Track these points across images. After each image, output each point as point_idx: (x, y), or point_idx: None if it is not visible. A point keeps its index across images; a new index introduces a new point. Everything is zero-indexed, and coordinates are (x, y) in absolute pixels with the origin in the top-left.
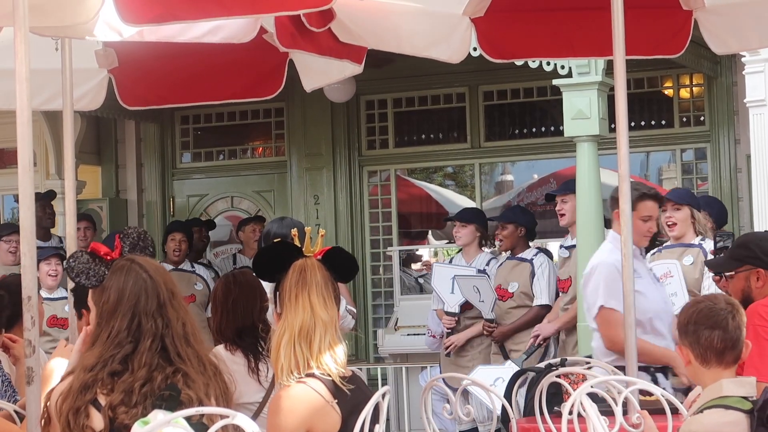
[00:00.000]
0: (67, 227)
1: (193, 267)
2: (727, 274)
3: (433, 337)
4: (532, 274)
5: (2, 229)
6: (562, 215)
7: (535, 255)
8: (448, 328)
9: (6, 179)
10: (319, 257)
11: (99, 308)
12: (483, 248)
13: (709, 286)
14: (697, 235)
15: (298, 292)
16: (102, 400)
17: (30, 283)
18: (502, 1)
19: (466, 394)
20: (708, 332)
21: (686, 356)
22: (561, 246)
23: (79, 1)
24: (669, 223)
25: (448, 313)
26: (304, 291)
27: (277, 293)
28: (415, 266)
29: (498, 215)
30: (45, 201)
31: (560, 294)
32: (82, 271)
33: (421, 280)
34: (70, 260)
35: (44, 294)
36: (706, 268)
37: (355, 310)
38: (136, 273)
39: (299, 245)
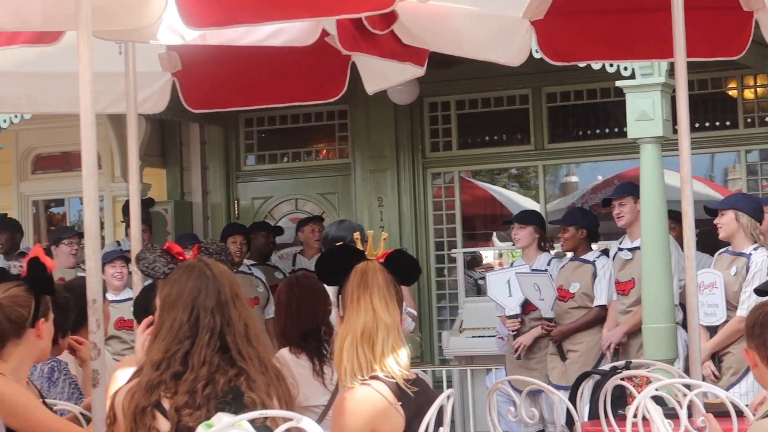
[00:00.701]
0: (132, 230)
1: (250, 270)
2: None
3: (501, 338)
4: (594, 275)
5: (63, 232)
6: (620, 217)
7: (598, 257)
8: (513, 332)
9: (72, 182)
10: (382, 260)
11: (162, 300)
12: (542, 249)
13: (747, 300)
14: (753, 242)
15: (360, 295)
16: (166, 404)
17: (95, 286)
18: (562, 3)
19: (532, 396)
20: None
21: (752, 359)
22: (620, 248)
23: (142, 5)
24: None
25: (509, 317)
26: (365, 294)
27: (340, 296)
28: (476, 268)
29: (559, 218)
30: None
31: (619, 296)
32: (152, 262)
33: (481, 282)
34: (144, 251)
35: (111, 296)
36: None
37: (415, 313)
38: (199, 269)
39: (361, 248)
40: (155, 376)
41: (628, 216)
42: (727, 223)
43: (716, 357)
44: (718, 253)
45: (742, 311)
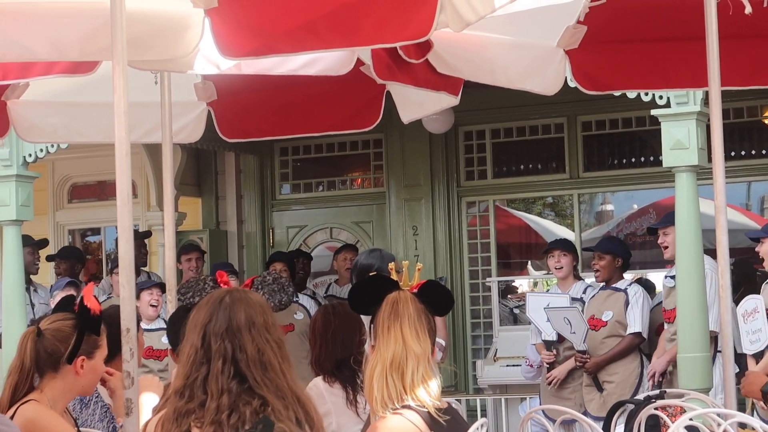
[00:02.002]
0: (167, 259)
1: (296, 297)
2: None
3: (531, 366)
4: (627, 303)
5: (113, 262)
6: (666, 248)
7: (629, 285)
8: (547, 363)
9: (108, 211)
10: (415, 290)
11: (185, 326)
12: (576, 278)
13: None
14: None
15: (391, 324)
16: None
17: (129, 314)
18: (596, 33)
19: (565, 426)
20: None
21: None
22: (666, 276)
23: (177, 35)
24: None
25: (546, 342)
26: (396, 323)
27: (372, 326)
28: (510, 297)
29: (594, 245)
30: (139, 240)
31: (666, 325)
32: (196, 291)
33: (516, 311)
34: (199, 280)
35: (143, 325)
36: None
37: (443, 343)
38: (216, 297)
39: (395, 279)
40: (182, 404)
41: (672, 246)
42: (765, 252)
43: None
44: (765, 282)
45: None
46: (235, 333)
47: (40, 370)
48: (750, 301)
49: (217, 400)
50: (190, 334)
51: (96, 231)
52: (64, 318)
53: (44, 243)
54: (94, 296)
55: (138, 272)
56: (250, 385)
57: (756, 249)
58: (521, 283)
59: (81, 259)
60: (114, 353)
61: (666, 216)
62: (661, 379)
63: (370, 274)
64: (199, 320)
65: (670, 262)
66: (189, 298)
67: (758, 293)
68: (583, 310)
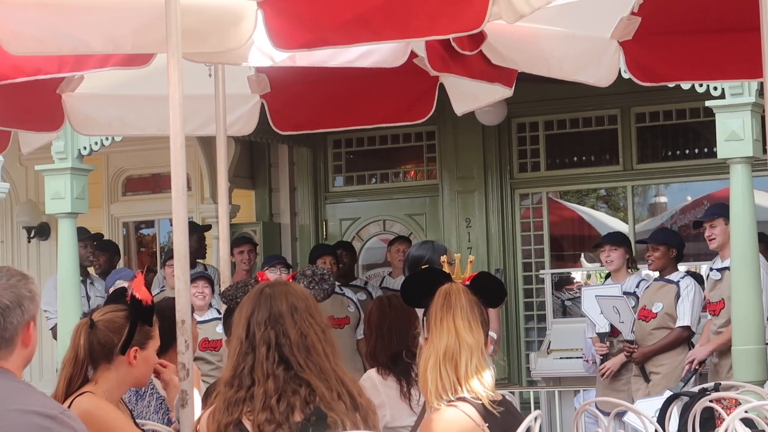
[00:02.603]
0: (221, 251)
1: (342, 290)
2: None
3: (587, 361)
4: (677, 296)
5: (166, 254)
6: (712, 239)
7: (682, 277)
8: (601, 355)
9: (162, 203)
10: (467, 282)
11: (231, 324)
12: (629, 270)
13: None
14: None
15: (443, 316)
16: (248, 425)
17: (184, 306)
18: (651, 24)
19: (619, 418)
20: None
21: None
22: (711, 268)
23: (231, 28)
24: None
25: (599, 334)
26: (449, 314)
27: (425, 318)
28: (564, 289)
29: (648, 237)
30: (200, 233)
31: (711, 317)
32: (239, 294)
33: (568, 303)
34: (244, 284)
35: (196, 317)
36: None
37: (495, 336)
38: (258, 290)
39: (447, 271)
40: (231, 393)
41: (719, 238)
42: None
43: None
44: None
45: None
46: (277, 319)
47: (93, 361)
48: None
49: (263, 386)
50: (235, 329)
51: (150, 224)
52: (116, 309)
53: (99, 237)
54: (145, 287)
55: (194, 264)
56: (295, 371)
57: (705, 234)
58: (576, 275)
59: (118, 252)
60: (167, 345)
61: (710, 208)
62: (698, 368)
63: (422, 265)
64: (243, 313)
65: (717, 254)
66: (234, 302)
67: None
68: (636, 303)
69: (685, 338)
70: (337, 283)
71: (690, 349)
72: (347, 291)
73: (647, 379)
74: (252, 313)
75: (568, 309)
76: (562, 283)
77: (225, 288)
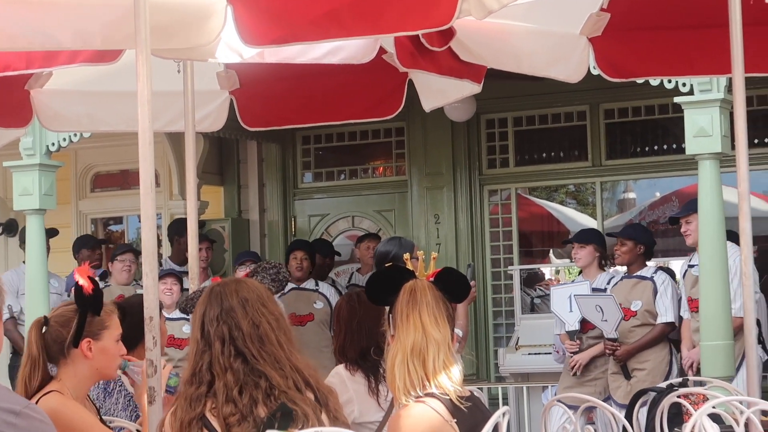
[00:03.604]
0: (190, 247)
1: (317, 285)
2: None
3: (557, 352)
4: (655, 292)
5: (117, 249)
6: (688, 235)
7: (655, 273)
8: (571, 353)
9: (130, 200)
10: (431, 279)
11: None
12: (603, 268)
13: None
14: None
15: (409, 312)
16: (211, 418)
17: (152, 303)
18: (620, 20)
19: (587, 413)
20: None
21: None
22: (690, 265)
23: (200, 24)
24: None
25: (569, 333)
26: (414, 311)
27: (390, 316)
28: (535, 287)
29: (617, 231)
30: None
31: (692, 314)
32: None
33: (537, 301)
34: (198, 292)
35: (164, 314)
36: None
37: (461, 333)
38: (208, 290)
39: (410, 268)
40: (192, 390)
41: (695, 234)
42: None
43: None
44: None
45: None
46: (228, 313)
47: (52, 359)
48: None
49: (223, 379)
50: (192, 331)
51: (118, 220)
52: (67, 304)
53: (54, 232)
54: (89, 277)
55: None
56: (251, 364)
57: (681, 230)
58: (545, 272)
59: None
60: (136, 342)
61: (686, 204)
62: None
63: (388, 261)
64: (197, 315)
65: (692, 250)
66: (191, 309)
67: None
68: None
69: (667, 333)
70: (313, 280)
71: (671, 346)
72: (323, 287)
73: (628, 377)
74: (204, 312)
75: (536, 306)
76: (531, 279)
77: (180, 301)
